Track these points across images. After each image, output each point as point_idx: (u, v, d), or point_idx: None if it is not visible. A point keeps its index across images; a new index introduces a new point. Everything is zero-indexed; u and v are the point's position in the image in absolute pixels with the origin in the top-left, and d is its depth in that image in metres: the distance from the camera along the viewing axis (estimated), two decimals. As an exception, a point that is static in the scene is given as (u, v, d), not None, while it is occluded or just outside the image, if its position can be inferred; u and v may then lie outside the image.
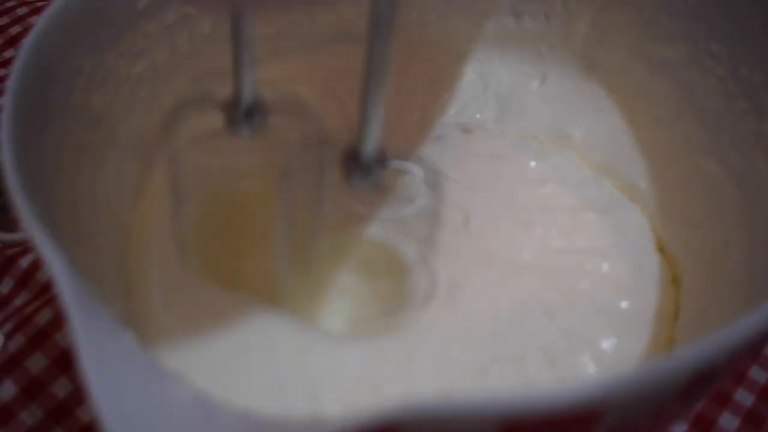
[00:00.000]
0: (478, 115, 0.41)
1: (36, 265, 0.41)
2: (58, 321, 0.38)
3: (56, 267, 0.20)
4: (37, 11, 0.61)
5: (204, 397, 0.19)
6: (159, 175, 0.35)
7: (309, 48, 0.41)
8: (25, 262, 0.41)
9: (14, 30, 0.60)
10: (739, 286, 0.29)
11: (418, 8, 0.40)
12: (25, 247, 0.42)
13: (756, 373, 0.38)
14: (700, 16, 0.34)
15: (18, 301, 0.40)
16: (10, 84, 0.25)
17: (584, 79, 0.39)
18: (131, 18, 0.32)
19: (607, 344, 0.31)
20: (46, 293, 0.40)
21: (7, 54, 0.59)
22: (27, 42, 0.26)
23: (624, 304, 0.33)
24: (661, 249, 0.35)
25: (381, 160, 0.25)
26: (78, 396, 0.36)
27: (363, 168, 0.25)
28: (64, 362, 0.37)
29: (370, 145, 0.25)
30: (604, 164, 0.38)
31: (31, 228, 0.21)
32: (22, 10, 0.61)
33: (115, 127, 0.32)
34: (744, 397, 0.37)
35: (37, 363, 0.37)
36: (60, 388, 0.36)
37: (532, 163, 0.38)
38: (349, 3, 0.35)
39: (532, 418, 0.16)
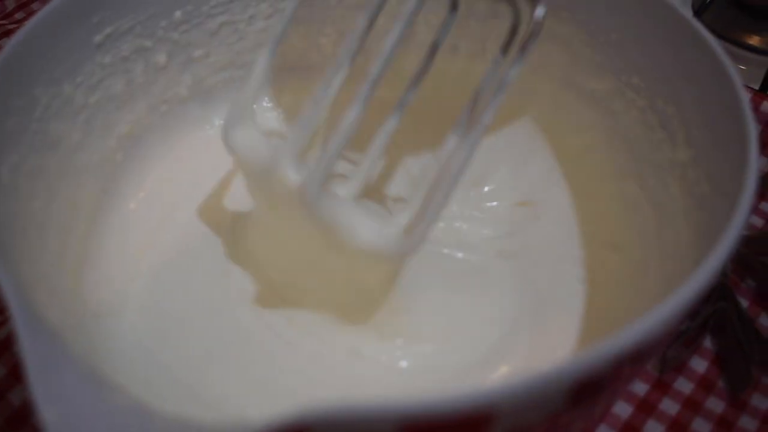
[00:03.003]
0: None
1: None
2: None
3: (6, 286, 0.22)
4: (7, 34, 0.62)
5: (141, 405, 0.21)
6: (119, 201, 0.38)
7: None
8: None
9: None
10: (654, 303, 0.31)
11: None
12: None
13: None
14: (621, 51, 0.36)
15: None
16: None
17: (518, 113, 0.42)
18: (88, 51, 0.34)
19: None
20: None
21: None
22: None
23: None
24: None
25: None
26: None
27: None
28: (21, 372, 0.38)
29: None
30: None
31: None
32: (-7, 33, 0.63)
33: (72, 154, 0.34)
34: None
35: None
36: (16, 396, 0.38)
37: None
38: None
39: (426, 421, 0.19)
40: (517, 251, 0.39)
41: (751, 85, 0.56)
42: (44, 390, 0.20)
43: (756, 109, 0.51)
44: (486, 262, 0.39)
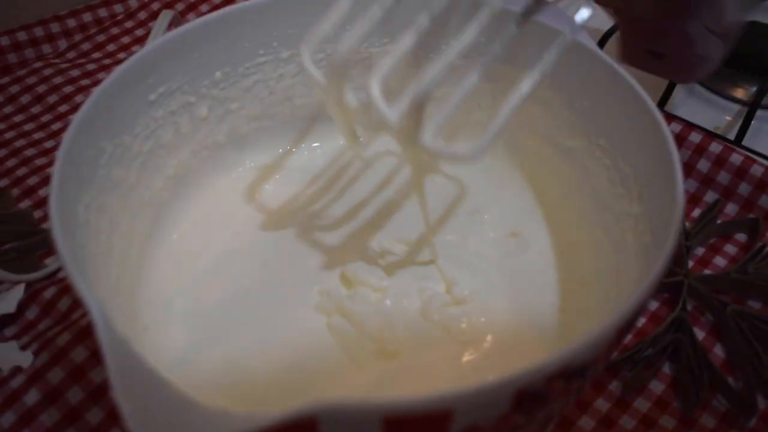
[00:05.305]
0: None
1: (57, 296, 0.50)
2: (73, 342, 0.47)
3: (92, 307, 0.28)
4: (61, 72, 0.70)
5: (191, 400, 0.27)
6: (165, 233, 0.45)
7: (289, 126, 0.50)
8: (48, 293, 0.50)
9: (41, 89, 0.68)
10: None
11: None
12: (47, 282, 0.51)
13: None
14: (592, 116, 0.43)
15: (42, 326, 0.49)
16: (56, 167, 0.33)
17: (508, 163, 0.49)
18: (144, 107, 0.41)
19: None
20: (65, 320, 0.48)
21: (35, 110, 0.67)
22: (66, 134, 0.35)
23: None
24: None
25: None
26: (87, 402, 0.44)
27: None
28: (78, 375, 0.45)
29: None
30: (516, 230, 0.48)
31: (71, 275, 0.29)
32: (48, 71, 0.70)
33: (128, 193, 0.41)
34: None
35: (55, 375, 0.45)
36: (73, 395, 0.44)
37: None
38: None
39: (402, 415, 0.25)
40: (514, 273, 0.45)
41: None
42: (122, 388, 0.26)
43: (724, 160, 0.57)
44: (491, 279, 0.45)
